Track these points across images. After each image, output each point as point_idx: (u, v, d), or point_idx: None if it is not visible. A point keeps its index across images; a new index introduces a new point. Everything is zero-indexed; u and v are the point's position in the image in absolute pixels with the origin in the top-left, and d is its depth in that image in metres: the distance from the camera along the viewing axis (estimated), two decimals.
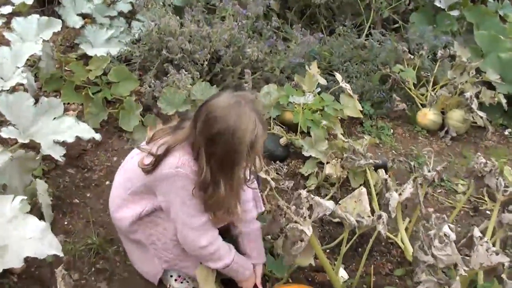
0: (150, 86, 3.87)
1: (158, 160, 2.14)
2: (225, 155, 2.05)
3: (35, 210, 2.69)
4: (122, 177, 2.41)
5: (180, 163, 2.11)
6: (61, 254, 2.03)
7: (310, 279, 2.72)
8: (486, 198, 3.58)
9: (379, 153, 4.01)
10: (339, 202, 3.08)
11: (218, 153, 2.05)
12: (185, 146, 2.15)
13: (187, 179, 2.11)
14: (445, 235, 2.09)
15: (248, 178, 2.33)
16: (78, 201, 3.01)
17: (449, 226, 2.13)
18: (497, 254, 1.99)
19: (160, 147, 2.15)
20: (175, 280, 2.49)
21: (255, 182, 2.51)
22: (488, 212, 3.49)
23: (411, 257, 2.82)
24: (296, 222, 2.29)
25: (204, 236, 2.23)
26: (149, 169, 2.16)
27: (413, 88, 4.61)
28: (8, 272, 2.38)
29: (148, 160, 2.17)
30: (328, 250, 2.93)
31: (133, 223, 2.33)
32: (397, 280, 2.81)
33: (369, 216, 2.74)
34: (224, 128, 2.00)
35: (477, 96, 4.40)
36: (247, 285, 2.46)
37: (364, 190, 3.05)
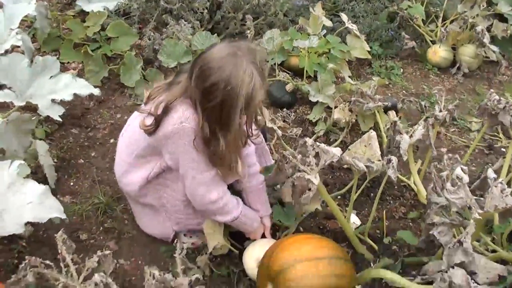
0: (149, 39, 3.78)
1: (159, 119, 2.06)
2: (221, 108, 1.96)
3: (39, 172, 2.67)
4: (125, 142, 2.35)
5: (184, 117, 2.03)
6: (63, 216, 2.00)
7: (321, 227, 2.68)
8: (501, 135, 3.49)
9: (389, 94, 3.90)
10: (349, 147, 3.00)
11: (214, 106, 1.96)
12: (184, 100, 2.07)
13: (193, 133, 2.05)
14: (457, 177, 2.01)
15: (251, 133, 2.25)
16: (83, 161, 2.97)
17: (461, 168, 2.04)
18: None
19: (159, 106, 2.07)
20: (184, 235, 2.47)
21: (260, 136, 2.44)
22: (503, 149, 3.39)
23: (425, 199, 2.77)
24: (303, 171, 2.22)
25: (213, 191, 2.19)
26: (152, 130, 2.09)
27: (422, 24, 4.46)
28: (16, 236, 2.36)
29: (149, 120, 2.09)
30: (339, 197, 2.88)
31: (141, 187, 2.29)
32: (410, 224, 2.76)
33: (379, 160, 2.68)
34: (218, 80, 1.92)
35: (488, 29, 4.23)
36: (255, 236, 2.43)
37: (373, 133, 2.97)
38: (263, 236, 2.46)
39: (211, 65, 1.94)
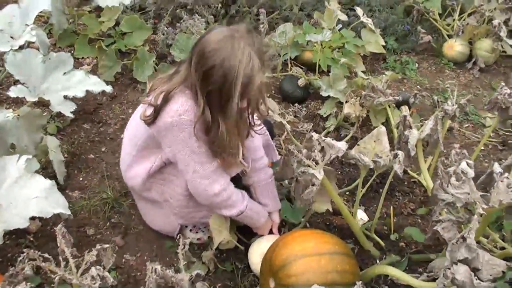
0: (163, 34, 3.80)
1: (158, 109, 2.06)
2: (220, 91, 1.94)
3: (50, 168, 2.70)
4: (129, 134, 2.37)
5: (183, 109, 2.03)
6: (68, 212, 2.02)
7: (328, 223, 2.66)
8: None
9: (403, 89, 3.86)
10: (358, 143, 2.98)
11: (213, 88, 1.95)
12: (184, 91, 2.05)
13: (191, 125, 2.04)
14: (462, 172, 1.97)
15: (253, 123, 2.24)
16: (93, 156, 3.00)
17: (467, 162, 2.00)
18: None
19: (159, 96, 2.07)
20: (190, 230, 2.47)
21: (264, 128, 2.44)
22: None
23: None
24: (308, 166, 2.21)
25: (216, 183, 2.18)
26: (150, 120, 2.09)
27: (439, 18, 4.40)
28: (24, 231, 2.40)
29: (150, 111, 2.09)
30: (348, 193, 2.86)
31: (144, 181, 2.30)
32: (419, 220, 2.72)
33: (387, 156, 2.64)
34: (216, 62, 1.90)
35: (506, 23, 4.13)
36: (263, 231, 2.42)
37: (383, 129, 2.92)
38: (271, 232, 2.45)
39: (209, 49, 1.93)
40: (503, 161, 3.09)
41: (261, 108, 2.19)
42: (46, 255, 1.70)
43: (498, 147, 3.34)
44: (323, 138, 2.26)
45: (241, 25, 2.03)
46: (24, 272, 1.61)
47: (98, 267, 1.66)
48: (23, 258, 1.65)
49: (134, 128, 2.30)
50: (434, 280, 2.23)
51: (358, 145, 2.98)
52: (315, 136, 2.27)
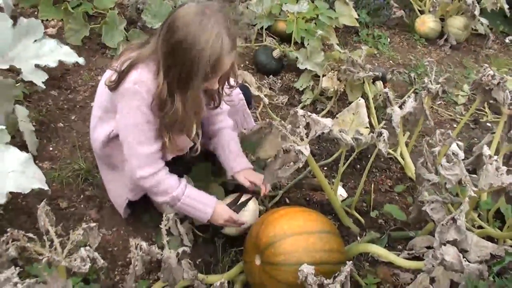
0: None
1: (121, 76, 1.97)
2: (182, 68, 1.86)
3: (18, 138, 2.56)
4: (96, 97, 2.26)
5: (139, 79, 1.94)
6: (46, 187, 1.91)
7: (307, 199, 2.64)
8: (487, 110, 3.47)
9: (376, 64, 3.85)
10: (336, 116, 2.95)
11: (175, 65, 1.87)
12: (149, 63, 1.96)
13: (142, 99, 1.95)
14: (453, 153, 1.97)
15: (222, 94, 2.18)
16: (62, 125, 2.86)
17: (457, 144, 2.00)
18: (508, 173, 1.89)
19: (123, 63, 1.98)
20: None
21: (238, 98, 2.40)
22: (488, 124, 3.39)
23: (412, 173, 2.75)
24: (292, 141, 2.16)
25: (145, 168, 2.05)
26: (113, 86, 2.00)
27: None
28: None
29: (115, 77, 2.01)
30: (325, 168, 2.84)
31: (104, 145, 2.19)
32: (397, 197, 2.73)
33: (369, 134, 2.63)
34: (182, 38, 1.82)
35: (478, 1, 4.16)
36: (216, 221, 2.20)
37: (362, 101, 2.91)
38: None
39: (177, 23, 1.84)
40: (476, 139, 3.17)
41: (231, 81, 2.13)
42: (31, 234, 1.60)
43: (470, 125, 3.38)
44: (309, 114, 2.21)
45: (215, 2, 1.94)
46: (8, 254, 1.51)
47: (87, 247, 1.58)
48: (6, 238, 1.54)
49: (100, 92, 2.20)
50: (415, 257, 2.26)
51: (337, 117, 2.96)
52: (300, 112, 2.22)
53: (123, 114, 2.03)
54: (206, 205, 2.16)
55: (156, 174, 2.07)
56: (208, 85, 2.00)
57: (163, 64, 1.91)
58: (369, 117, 3.01)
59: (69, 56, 2.61)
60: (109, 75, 2.06)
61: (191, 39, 1.81)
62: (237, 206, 2.30)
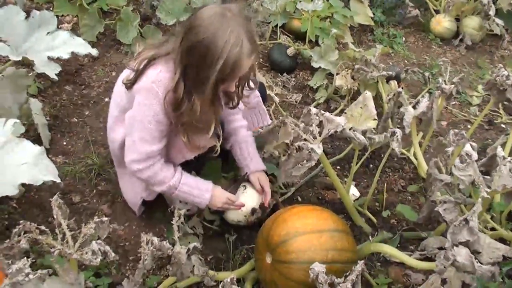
0: None
1: (138, 74, 1.99)
2: (200, 69, 1.87)
3: (32, 131, 2.58)
4: (114, 96, 2.27)
5: (157, 79, 1.95)
6: (58, 180, 1.92)
7: (320, 197, 2.63)
8: (501, 111, 3.44)
9: (391, 63, 3.82)
10: (345, 111, 2.94)
11: (194, 65, 1.88)
12: (168, 62, 1.97)
13: (157, 97, 1.96)
14: (467, 154, 1.95)
15: (241, 96, 2.19)
16: (76, 120, 2.88)
17: (471, 144, 1.99)
18: None
19: (142, 62, 1.99)
20: (180, 201, 2.40)
21: (253, 99, 2.41)
22: (503, 125, 3.36)
23: (425, 173, 2.73)
24: (305, 140, 2.15)
25: (142, 163, 2.06)
26: (129, 85, 2.02)
27: None
28: (7, 197, 2.29)
29: (132, 75, 2.03)
30: (338, 167, 2.83)
31: (121, 146, 2.19)
32: (409, 197, 2.72)
33: (374, 120, 2.65)
34: (202, 39, 1.82)
35: (494, 2, 4.12)
36: (215, 206, 2.25)
37: (368, 94, 2.88)
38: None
39: (197, 23, 1.85)
40: (490, 141, 3.14)
41: (250, 83, 2.15)
42: (43, 227, 1.61)
43: (484, 126, 3.34)
44: (322, 112, 2.21)
45: (235, 4, 1.94)
46: (20, 246, 1.52)
47: (99, 241, 1.58)
48: (18, 230, 1.55)
49: (117, 91, 2.22)
50: (427, 258, 2.25)
51: (345, 113, 2.94)
52: (314, 110, 2.21)
53: (135, 109, 2.04)
54: (203, 190, 2.20)
55: (153, 166, 2.09)
56: (226, 86, 2.00)
57: (181, 63, 1.92)
58: (381, 116, 3.00)
59: (82, 47, 2.61)
60: (126, 74, 2.07)
61: (211, 40, 1.82)
62: (233, 187, 2.36)
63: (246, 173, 2.36)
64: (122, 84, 2.07)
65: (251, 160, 2.36)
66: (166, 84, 1.95)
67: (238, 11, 1.90)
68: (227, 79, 1.93)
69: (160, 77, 1.95)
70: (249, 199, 2.32)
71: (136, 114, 2.03)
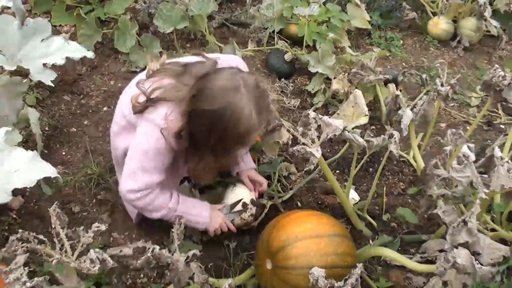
0: (145, 3, 3.68)
1: (149, 104, 1.98)
2: (204, 134, 1.91)
3: (31, 142, 2.59)
4: (120, 104, 2.23)
5: (166, 118, 1.95)
6: (55, 175, 1.90)
7: (319, 202, 2.63)
8: (500, 112, 3.44)
9: (389, 66, 3.83)
10: (337, 112, 2.94)
11: (199, 130, 1.92)
12: (181, 105, 1.94)
13: (162, 138, 1.96)
14: (464, 155, 1.95)
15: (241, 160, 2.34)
16: (75, 129, 2.88)
17: (468, 146, 1.98)
18: None
19: (155, 90, 1.98)
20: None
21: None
22: (502, 126, 3.35)
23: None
24: (303, 144, 2.16)
25: (140, 192, 2.05)
26: (138, 110, 2.01)
27: None
28: (6, 209, 2.31)
29: (142, 98, 2.00)
30: (337, 171, 2.83)
31: (123, 155, 2.17)
32: (409, 200, 2.71)
33: (366, 115, 2.67)
34: (210, 109, 1.84)
35: (491, 3, 4.12)
36: (213, 227, 2.26)
37: (358, 92, 2.90)
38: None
39: (209, 90, 1.87)
40: (489, 141, 3.13)
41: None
42: (39, 236, 1.61)
43: (483, 127, 3.34)
44: (320, 116, 2.21)
45: (251, 76, 1.93)
46: (17, 255, 1.52)
47: (97, 249, 1.58)
48: (16, 240, 1.55)
49: (125, 101, 2.19)
50: (427, 261, 2.24)
51: (338, 114, 2.95)
52: (312, 114, 2.22)
53: (139, 138, 2.03)
54: (201, 209, 2.23)
55: (151, 194, 2.07)
56: (226, 157, 2.07)
57: (188, 124, 1.93)
58: (379, 120, 3.01)
59: (78, 52, 2.60)
60: (136, 92, 2.05)
61: (222, 113, 1.83)
62: (222, 189, 2.42)
63: (237, 173, 2.41)
64: (130, 101, 2.05)
65: (241, 161, 2.38)
66: (174, 126, 1.95)
67: (253, 85, 1.89)
68: (231, 151, 2.00)
69: (171, 117, 1.95)
70: (239, 195, 2.34)
71: (140, 142, 2.02)
